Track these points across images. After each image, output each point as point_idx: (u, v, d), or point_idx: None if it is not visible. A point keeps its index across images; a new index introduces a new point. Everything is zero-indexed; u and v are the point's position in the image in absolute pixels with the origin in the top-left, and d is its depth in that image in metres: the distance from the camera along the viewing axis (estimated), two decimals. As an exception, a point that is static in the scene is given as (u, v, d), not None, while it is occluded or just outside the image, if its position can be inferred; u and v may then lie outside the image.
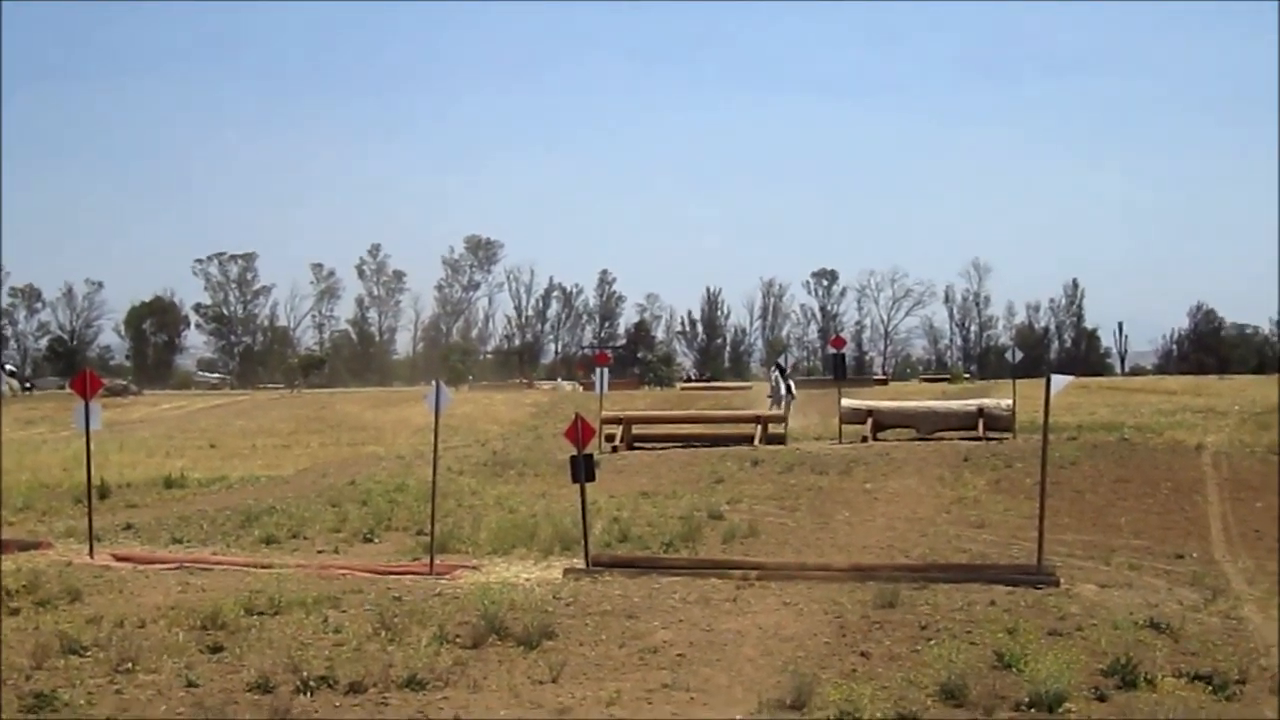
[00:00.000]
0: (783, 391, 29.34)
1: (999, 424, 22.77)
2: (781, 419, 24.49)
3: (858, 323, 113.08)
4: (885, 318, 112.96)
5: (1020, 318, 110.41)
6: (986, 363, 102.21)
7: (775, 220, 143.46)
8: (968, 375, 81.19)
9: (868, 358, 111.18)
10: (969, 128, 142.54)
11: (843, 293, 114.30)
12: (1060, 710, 6.96)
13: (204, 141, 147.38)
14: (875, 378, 76.05)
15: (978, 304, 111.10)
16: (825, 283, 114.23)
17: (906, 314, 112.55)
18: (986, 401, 24.37)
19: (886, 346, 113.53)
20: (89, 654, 8.17)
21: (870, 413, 24.09)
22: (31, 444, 29.77)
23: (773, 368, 36.01)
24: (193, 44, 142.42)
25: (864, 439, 22.81)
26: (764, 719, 6.92)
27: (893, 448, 20.81)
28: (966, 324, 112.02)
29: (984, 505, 16.17)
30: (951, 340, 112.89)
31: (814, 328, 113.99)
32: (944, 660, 7.91)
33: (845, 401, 24.60)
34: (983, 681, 7.43)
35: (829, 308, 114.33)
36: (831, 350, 32.48)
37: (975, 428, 22.72)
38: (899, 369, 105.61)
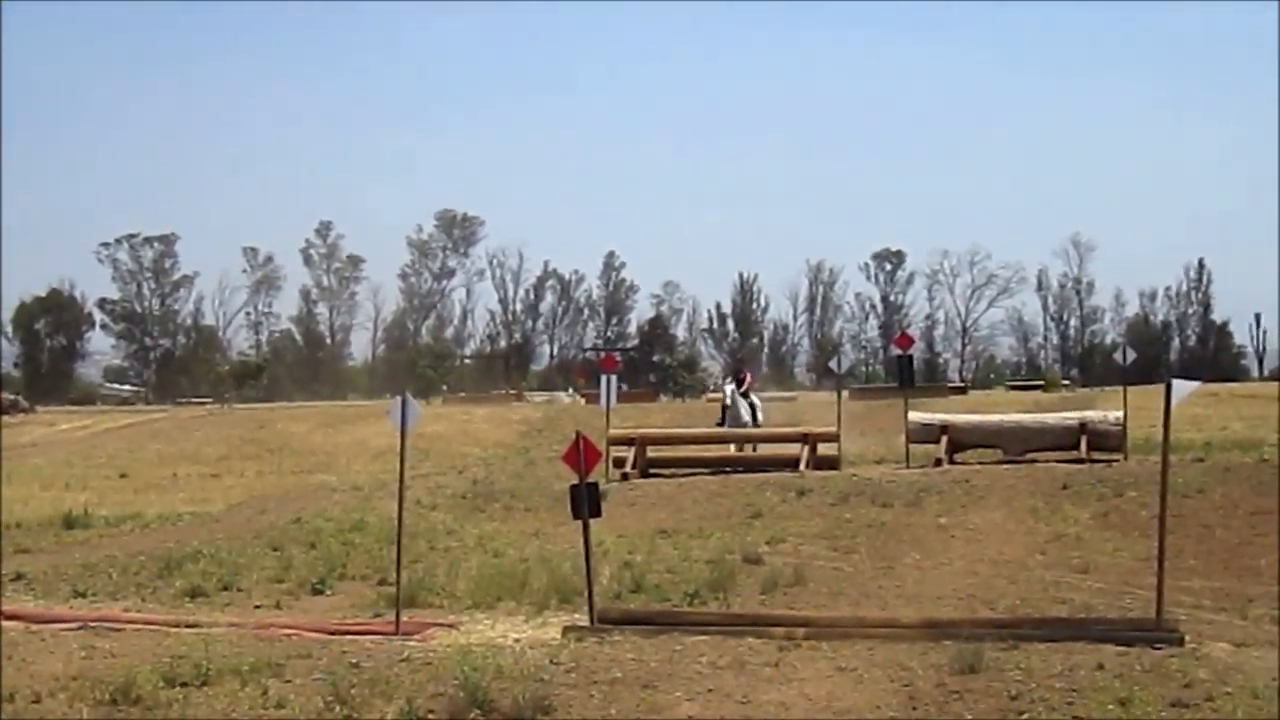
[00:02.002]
0: (744, 415, 26.17)
1: (1106, 442, 22.72)
2: (833, 438, 24.37)
3: (928, 316, 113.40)
4: (962, 310, 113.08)
5: (1132, 308, 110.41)
6: (1090, 365, 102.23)
7: (825, 188, 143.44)
8: (1066, 381, 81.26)
9: (941, 360, 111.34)
10: (1066, 71, 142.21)
11: (909, 279, 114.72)
12: (1186, 801, 6.95)
13: (108, 98, 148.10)
14: (951, 385, 76.14)
15: (1078, 292, 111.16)
16: (888, 266, 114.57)
17: (989, 305, 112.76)
18: (1091, 414, 24.32)
19: (964, 346, 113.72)
20: (-30, 738, 8.20)
21: (945, 429, 24.06)
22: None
23: (726, 379, 31.24)
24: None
25: (937, 462, 22.81)
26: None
27: (973, 473, 20.79)
28: (1064, 317, 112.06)
29: (1088, 544, 16.14)
30: (1046, 338, 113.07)
31: (873, 322, 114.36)
32: (1040, 739, 7.89)
33: (913, 415, 24.58)
34: (1089, 766, 7.42)
35: (892, 297, 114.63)
36: (896, 351, 32.16)
37: (1077, 447, 22.67)
38: (981, 374, 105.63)
